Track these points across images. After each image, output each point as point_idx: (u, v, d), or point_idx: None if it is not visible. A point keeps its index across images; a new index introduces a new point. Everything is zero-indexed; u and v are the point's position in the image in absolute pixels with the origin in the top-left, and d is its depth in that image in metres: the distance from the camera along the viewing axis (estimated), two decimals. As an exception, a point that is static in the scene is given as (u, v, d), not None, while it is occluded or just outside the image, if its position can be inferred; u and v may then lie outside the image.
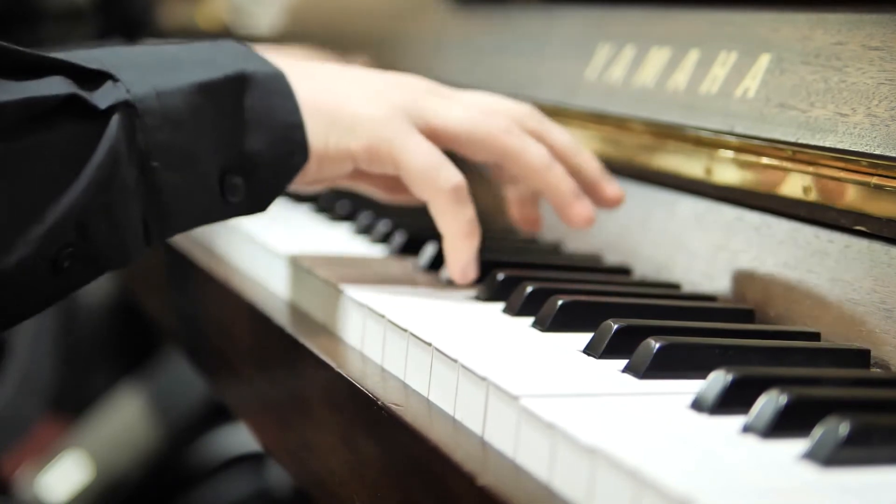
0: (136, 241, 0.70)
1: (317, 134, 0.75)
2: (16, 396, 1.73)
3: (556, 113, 1.00)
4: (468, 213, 0.77)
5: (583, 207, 0.81)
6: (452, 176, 0.77)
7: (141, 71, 0.71)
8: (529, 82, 1.06)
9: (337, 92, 0.77)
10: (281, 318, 0.81)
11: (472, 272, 0.78)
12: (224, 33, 2.04)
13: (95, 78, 0.69)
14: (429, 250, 0.86)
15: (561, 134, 0.83)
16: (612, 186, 0.84)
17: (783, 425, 0.54)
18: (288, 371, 0.78)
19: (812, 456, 0.51)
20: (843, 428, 0.50)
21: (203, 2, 2.12)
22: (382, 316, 0.71)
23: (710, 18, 0.89)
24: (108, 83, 0.69)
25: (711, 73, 0.85)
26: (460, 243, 0.77)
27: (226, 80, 0.73)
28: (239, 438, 1.64)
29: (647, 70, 0.91)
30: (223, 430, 1.67)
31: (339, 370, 0.69)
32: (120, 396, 1.72)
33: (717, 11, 0.88)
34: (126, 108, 0.69)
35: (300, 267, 0.84)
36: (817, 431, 0.51)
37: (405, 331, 0.68)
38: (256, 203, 0.75)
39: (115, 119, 0.68)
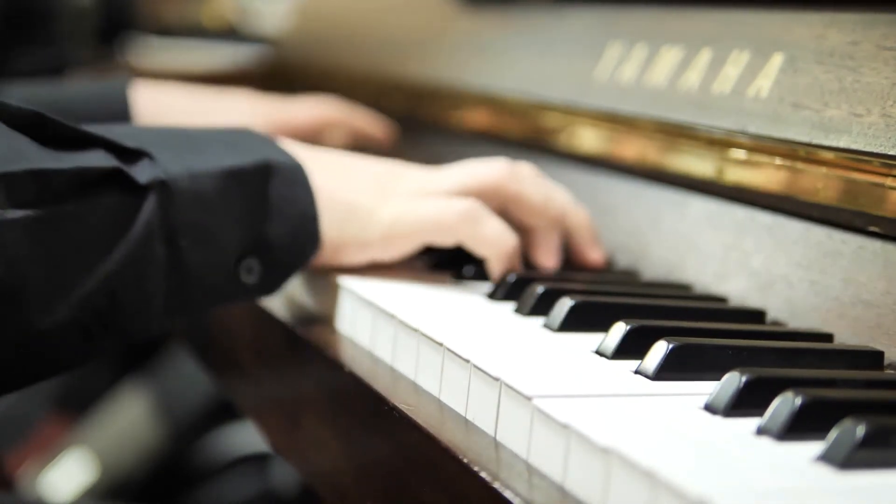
0: (158, 316, 0.73)
1: (331, 225, 0.78)
2: (21, 394, 1.73)
3: (566, 112, 1.00)
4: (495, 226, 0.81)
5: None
6: (487, 217, 0.80)
7: (174, 151, 0.74)
8: (539, 81, 1.06)
9: (350, 186, 0.80)
10: (289, 317, 0.81)
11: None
12: (229, 32, 2.04)
13: (133, 155, 0.72)
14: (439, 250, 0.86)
15: (559, 190, 0.86)
16: (597, 253, 0.87)
17: (798, 427, 0.53)
18: (297, 370, 0.78)
19: (828, 458, 0.50)
20: (860, 430, 0.50)
21: (209, 1, 2.12)
22: (393, 316, 0.71)
23: (722, 17, 0.88)
24: (146, 161, 0.72)
25: (724, 73, 0.85)
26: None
27: (253, 167, 0.76)
28: (244, 438, 1.64)
29: (658, 69, 0.91)
30: (228, 428, 1.66)
31: (348, 370, 0.69)
32: (124, 395, 1.72)
33: (730, 10, 0.88)
34: (161, 186, 0.72)
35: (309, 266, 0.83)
36: (833, 433, 0.51)
37: (416, 330, 0.68)
38: (269, 285, 0.77)
39: (152, 195, 0.71)
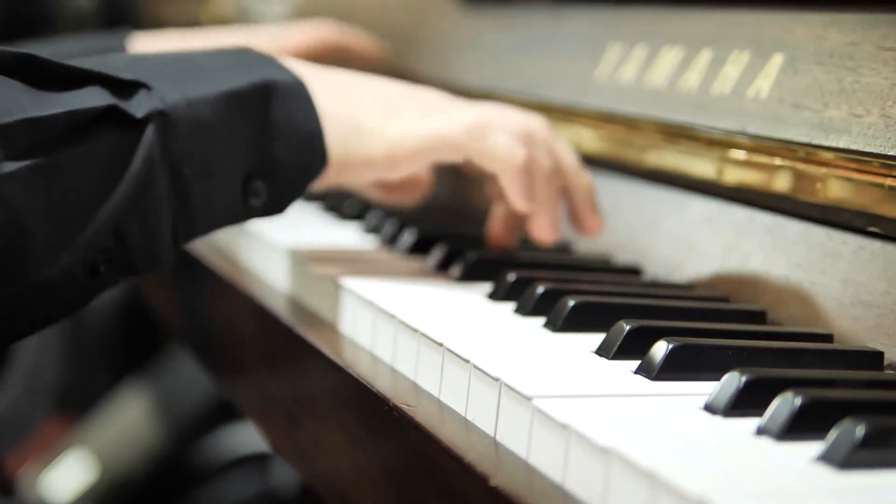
0: (165, 246, 0.72)
1: (336, 142, 0.77)
2: (21, 395, 1.73)
3: (566, 112, 1.00)
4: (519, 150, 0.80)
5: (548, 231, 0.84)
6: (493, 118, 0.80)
7: (171, 80, 0.72)
8: (539, 82, 1.06)
9: (354, 103, 0.79)
10: (289, 317, 0.81)
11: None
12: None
13: (129, 87, 0.71)
14: (439, 250, 0.86)
15: (567, 150, 0.85)
16: (595, 219, 0.86)
17: (798, 427, 0.53)
18: (297, 371, 0.78)
19: (827, 458, 0.50)
20: (859, 430, 0.50)
21: (209, 1, 2.12)
22: (393, 316, 0.71)
23: (722, 18, 0.88)
24: (142, 92, 0.71)
25: (724, 73, 0.85)
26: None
27: (252, 88, 0.75)
28: (244, 438, 1.64)
29: (658, 70, 0.91)
30: (228, 429, 1.66)
31: (349, 371, 0.69)
32: (125, 395, 1.72)
33: (730, 11, 0.88)
34: (160, 116, 0.70)
35: (308, 266, 0.84)
36: (833, 433, 0.51)
37: (416, 331, 0.68)
38: (275, 206, 0.77)
39: (150, 128, 0.70)
